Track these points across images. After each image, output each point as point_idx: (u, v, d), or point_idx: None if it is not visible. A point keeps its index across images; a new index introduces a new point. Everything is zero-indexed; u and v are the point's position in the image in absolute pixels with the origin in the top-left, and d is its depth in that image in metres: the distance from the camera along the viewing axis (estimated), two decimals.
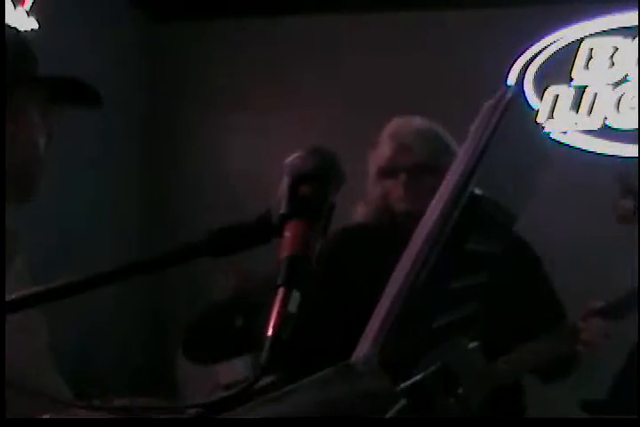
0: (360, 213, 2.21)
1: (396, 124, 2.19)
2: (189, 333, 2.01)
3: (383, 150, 2.15)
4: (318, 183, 0.78)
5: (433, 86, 5.07)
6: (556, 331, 2.11)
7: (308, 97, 5.30)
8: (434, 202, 0.89)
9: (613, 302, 2.16)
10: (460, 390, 0.93)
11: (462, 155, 0.84)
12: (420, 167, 2.09)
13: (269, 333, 0.69)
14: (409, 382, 0.85)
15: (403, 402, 0.82)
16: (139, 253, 4.95)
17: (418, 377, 0.87)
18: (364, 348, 0.83)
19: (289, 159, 0.81)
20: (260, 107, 5.36)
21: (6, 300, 0.81)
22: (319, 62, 5.32)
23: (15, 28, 2.07)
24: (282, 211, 0.76)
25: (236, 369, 4.29)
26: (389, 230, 2.07)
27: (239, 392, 0.67)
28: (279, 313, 0.70)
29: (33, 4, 3.86)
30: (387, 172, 2.12)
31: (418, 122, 2.20)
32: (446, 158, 2.07)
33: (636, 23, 4.91)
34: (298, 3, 5.18)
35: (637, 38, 4.99)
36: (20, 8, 3.78)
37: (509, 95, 0.83)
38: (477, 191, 0.83)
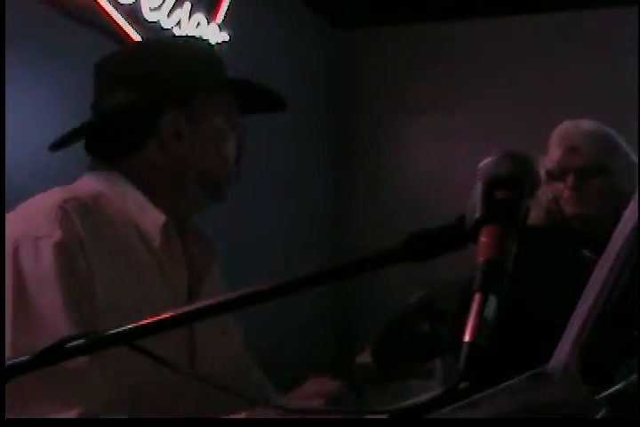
0: (532, 216, 2.22)
1: (564, 127, 2.21)
2: (378, 338, 2.06)
3: (552, 154, 2.17)
4: (514, 187, 0.77)
5: (608, 88, 4.88)
6: None
7: (501, 100, 5.23)
8: (631, 204, 0.87)
9: None
10: None
11: None
12: (589, 169, 2.11)
13: (467, 338, 0.68)
14: (609, 392, 0.83)
15: (603, 411, 0.80)
16: (328, 257, 5.02)
17: (619, 386, 0.85)
18: (561, 356, 0.81)
19: (483, 163, 0.81)
20: (451, 109, 5.33)
21: (199, 306, 0.82)
22: (511, 63, 5.25)
23: (207, 41, 2.15)
24: (477, 215, 0.76)
25: None
26: (562, 233, 2.08)
27: (440, 396, 0.67)
28: (476, 319, 0.69)
29: (224, 18, 4.02)
30: (555, 174, 2.14)
31: (586, 124, 2.21)
32: (616, 159, 2.14)
33: None
34: (491, 4, 5.13)
35: None
36: (212, 23, 3.94)
37: None
38: None
